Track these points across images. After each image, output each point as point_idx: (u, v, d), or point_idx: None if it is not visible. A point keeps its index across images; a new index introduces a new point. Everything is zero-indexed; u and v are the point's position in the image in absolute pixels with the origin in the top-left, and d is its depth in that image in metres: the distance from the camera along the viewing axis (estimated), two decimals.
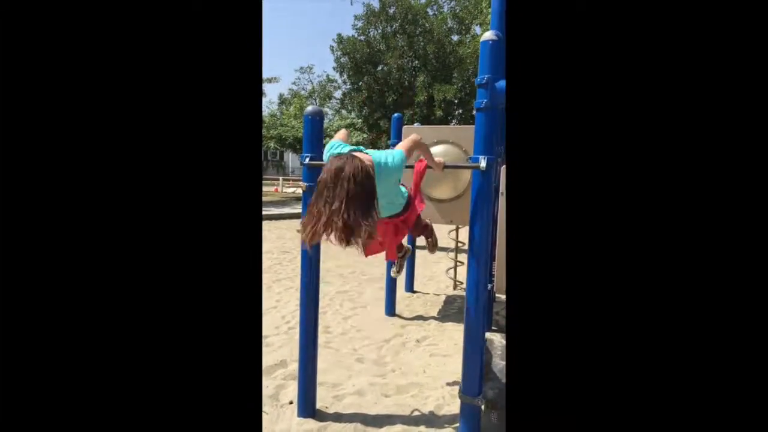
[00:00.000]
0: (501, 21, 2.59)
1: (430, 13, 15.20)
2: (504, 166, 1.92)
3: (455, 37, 15.06)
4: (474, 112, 1.68)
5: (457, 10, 14.92)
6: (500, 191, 1.98)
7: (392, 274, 2.55)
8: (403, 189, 1.84)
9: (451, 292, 4.20)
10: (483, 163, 1.60)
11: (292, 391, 2.13)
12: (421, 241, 6.41)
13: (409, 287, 4.16)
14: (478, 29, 14.51)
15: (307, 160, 1.87)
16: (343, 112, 17.44)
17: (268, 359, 2.48)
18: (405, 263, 2.50)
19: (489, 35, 1.61)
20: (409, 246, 2.51)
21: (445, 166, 1.91)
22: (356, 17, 15.54)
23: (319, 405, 2.01)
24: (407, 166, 1.74)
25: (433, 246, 2.34)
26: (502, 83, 1.60)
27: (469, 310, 1.71)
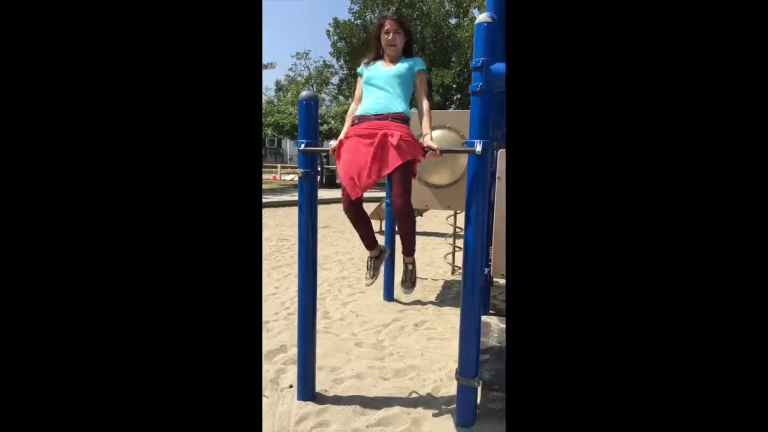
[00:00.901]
0: (497, 3, 2.56)
1: None
2: (500, 150, 1.92)
3: (453, 21, 14.86)
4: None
5: None
6: (497, 176, 1.98)
7: (365, 282, 2.11)
8: (408, 105, 1.85)
9: (449, 277, 4.23)
10: (478, 148, 1.60)
11: (292, 375, 2.16)
12: (419, 226, 6.36)
13: None
14: (476, 12, 14.30)
15: (303, 146, 1.86)
16: (341, 98, 17.29)
17: (268, 344, 2.51)
18: (380, 268, 2.09)
19: (484, 17, 1.60)
20: (388, 248, 2.22)
21: (441, 151, 1.91)
22: (353, 1, 15.30)
23: (318, 388, 2.04)
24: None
25: (409, 279, 2.01)
26: (497, 66, 1.59)
27: (466, 294, 1.73)
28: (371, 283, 2.05)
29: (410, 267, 2.03)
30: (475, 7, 14.29)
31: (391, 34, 1.85)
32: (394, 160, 1.67)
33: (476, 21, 1.62)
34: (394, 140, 1.67)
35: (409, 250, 1.98)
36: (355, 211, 1.87)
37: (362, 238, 1.99)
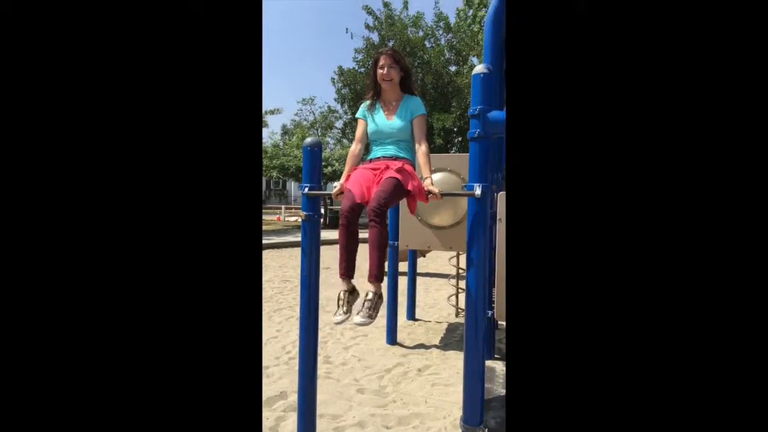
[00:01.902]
0: (494, 54, 2.69)
1: (428, 45, 15.61)
2: (500, 193, 1.96)
3: (453, 68, 15.42)
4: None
5: (454, 42, 15.33)
6: (498, 218, 2.00)
7: (334, 320, 1.73)
8: (410, 152, 1.98)
9: (453, 319, 4.16)
10: (478, 191, 1.64)
11: (292, 423, 2.09)
12: (422, 267, 6.21)
13: (411, 315, 4.13)
14: (474, 60, 14.87)
15: (306, 189, 1.91)
16: (345, 141, 17.69)
17: (268, 390, 2.45)
18: (353, 306, 1.76)
19: (480, 68, 1.68)
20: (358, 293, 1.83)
21: (442, 194, 1.95)
22: (357, 50, 15.98)
23: None
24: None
25: (367, 309, 1.62)
26: (493, 114, 1.65)
27: (469, 338, 1.71)
28: (342, 321, 1.71)
29: (370, 296, 1.66)
30: (473, 56, 14.87)
31: (386, 69, 1.92)
32: (389, 173, 1.77)
33: (473, 72, 1.70)
34: (395, 166, 1.82)
35: (376, 274, 1.66)
36: (351, 219, 1.72)
37: (341, 256, 1.78)
